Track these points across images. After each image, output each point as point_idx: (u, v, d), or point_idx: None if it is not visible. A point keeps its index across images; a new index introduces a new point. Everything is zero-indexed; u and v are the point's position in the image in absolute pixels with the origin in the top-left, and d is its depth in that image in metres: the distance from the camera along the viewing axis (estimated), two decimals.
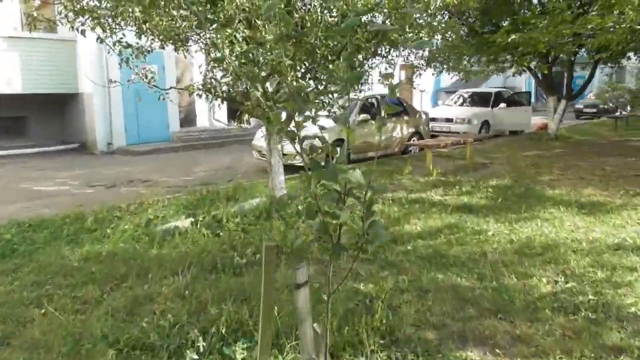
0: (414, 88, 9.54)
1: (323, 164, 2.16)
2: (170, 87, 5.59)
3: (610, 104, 22.51)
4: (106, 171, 10.51)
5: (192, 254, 4.35)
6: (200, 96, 5.47)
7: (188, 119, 16.29)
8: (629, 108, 21.26)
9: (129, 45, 5.61)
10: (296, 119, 2.20)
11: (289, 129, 2.20)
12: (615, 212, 6.17)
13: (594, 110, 23.75)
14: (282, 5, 4.22)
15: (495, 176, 8.71)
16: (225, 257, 4.29)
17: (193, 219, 5.10)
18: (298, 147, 2.18)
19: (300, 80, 5.59)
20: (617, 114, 20.38)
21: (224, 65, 4.22)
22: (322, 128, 2.15)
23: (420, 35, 5.79)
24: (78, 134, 13.61)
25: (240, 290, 3.58)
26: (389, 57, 6.90)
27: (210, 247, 4.54)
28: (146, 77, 5.39)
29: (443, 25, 7.42)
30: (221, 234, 4.89)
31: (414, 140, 12.15)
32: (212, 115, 16.49)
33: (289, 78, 5.05)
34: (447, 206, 6.47)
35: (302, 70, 5.90)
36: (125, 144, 13.50)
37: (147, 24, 4.76)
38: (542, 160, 10.79)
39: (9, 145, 12.41)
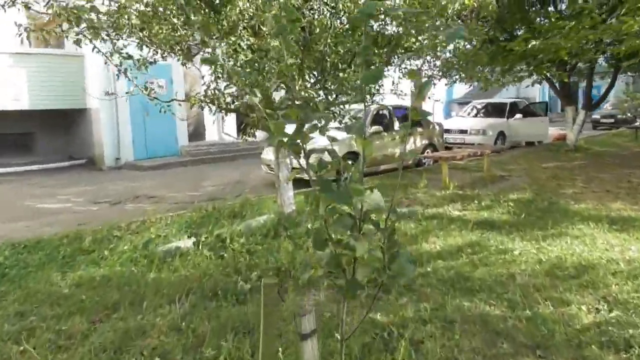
0: (429, 98, 9.18)
1: (334, 182, 1.81)
2: (172, 100, 5.30)
3: (629, 114, 21.88)
4: (112, 187, 10.26)
5: (192, 279, 3.99)
6: (202, 108, 5.17)
7: (197, 132, 16.09)
8: None
9: (129, 57, 5.34)
10: (301, 129, 1.85)
11: (292, 140, 1.85)
12: None
13: (612, 120, 23.16)
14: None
15: (515, 189, 8.28)
16: (228, 282, 3.92)
17: (195, 239, 4.74)
18: (303, 162, 1.83)
19: (309, 90, 5.27)
20: (637, 123, 19.76)
21: (217, 68, 3.89)
22: (332, 139, 1.79)
23: (437, 40, 5.44)
24: (85, 150, 13.44)
25: (243, 321, 3.21)
26: (403, 65, 6.56)
27: (212, 271, 4.17)
28: (146, 89, 5.10)
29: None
30: (225, 255, 4.53)
31: (428, 152, 11.77)
32: (221, 128, 16.27)
33: (297, 87, 4.73)
34: (467, 222, 6.06)
35: (312, 80, 5.58)
36: (133, 159, 13.31)
37: (144, 32, 4.48)
38: (563, 172, 10.33)
39: (15, 162, 12.26)
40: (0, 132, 12.52)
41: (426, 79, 8.71)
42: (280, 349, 2.55)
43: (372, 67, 1.55)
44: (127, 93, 5.19)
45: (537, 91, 28.84)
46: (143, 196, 9.17)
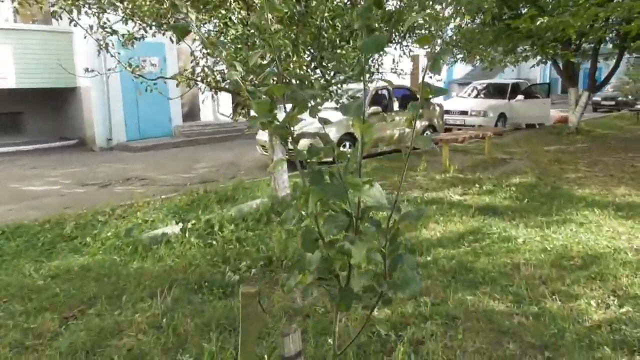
0: (430, 77, 8.85)
1: (330, 163, 1.55)
2: (158, 78, 4.99)
3: (630, 97, 21.56)
4: (103, 169, 9.98)
5: (178, 269, 3.74)
6: (190, 87, 4.87)
7: (191, 112, 15.71)
8: None
9: (114, 32, 5.03)
10: (291, 110, 1.58)
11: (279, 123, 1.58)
12: None
13: (613, 102, 22.86)
14: None
15: (517, 173, 8.04)
16: (215, 273, 3.68)
17: (182, 225, 4.49)
18: (292, 149, 1.56)
19: (304, 68, 4.97)
20: (639, 106, 19.48)
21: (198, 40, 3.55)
22: (324, 122, 1.52)
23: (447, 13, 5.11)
24: (76, 130, 13.09)
25: (229, 317, 2.97)
26: (404, 43, 6.23)
27: (199, 260, 3.92)
28: (130, 67, 4.79)
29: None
30: (214, 242, 4.28)
31: (428, 134, 11.48)
32: (216, 108, 15.90)
33: (291, 65, 4.43)
34: (468, 207, 5.83)
35: (308, 57, 5.27)
36: (126, 140, 12.99)
37: (126, 3, 4.15)
38: (565, 155, 10.11)
39: (4, 143, 11.91)
40: None
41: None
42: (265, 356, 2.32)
43: (374, 33, 1.26)
44: (109, 70, 4.89)
45: (538, 72, 28.40)
46: (134, 178, 8.91)
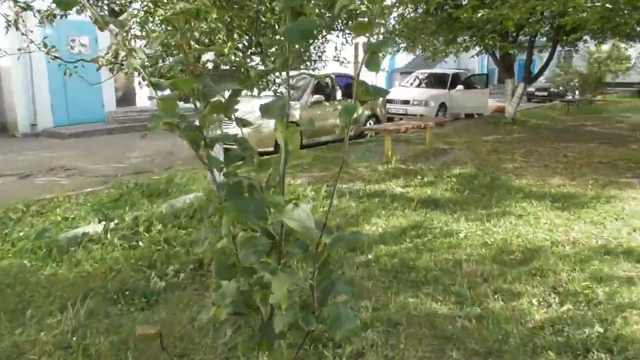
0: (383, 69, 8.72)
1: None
2: (78, 60, 4.50)
3: (561, 88, 22.62)
4: (24, 157, 9.20)
5: (96, 275, 3.36)
6: (113, 72, 4.43)
7: (127, 97, 14.85)
8: (577, 92, 21.34)
9: (28, 7, 4.48)
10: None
11: (189, 123, 1.31)
12: (590, 207, 5.67)
13: (545, 93, 23.89)
14: None
15: (457, 163, 8.11)
16: (139, 279, 3.33)
17: (105, 224, 4.08)
18: (204, 156, 1.29)
19: (241, 55, 4.65)
20: (570, 97, 20.47)
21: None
22: (243, 124, 1.27)
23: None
24: None
25: None
26: (347, 31, 6.01)
27: (122, 264, 3.54)
28: (45, 46, 4.28)
29: None
30: (139, 244, 3.92)
31: (370, 124, 11.41)
32: (153, 93, 15.14)
33: (226, 50, 4.10)
34: (410, 200, 5.76)
35: (245, 43, 4.94)
36: (52, 125, 12.10)
37: None
38: (503, 145, 10.36)
39: None
40: None
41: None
42: None
43: (302, 17, 0.99)
44: (19, 50, 4.36)
45: (477, 63, 29.21)
46: (59, 168, 8.25)
